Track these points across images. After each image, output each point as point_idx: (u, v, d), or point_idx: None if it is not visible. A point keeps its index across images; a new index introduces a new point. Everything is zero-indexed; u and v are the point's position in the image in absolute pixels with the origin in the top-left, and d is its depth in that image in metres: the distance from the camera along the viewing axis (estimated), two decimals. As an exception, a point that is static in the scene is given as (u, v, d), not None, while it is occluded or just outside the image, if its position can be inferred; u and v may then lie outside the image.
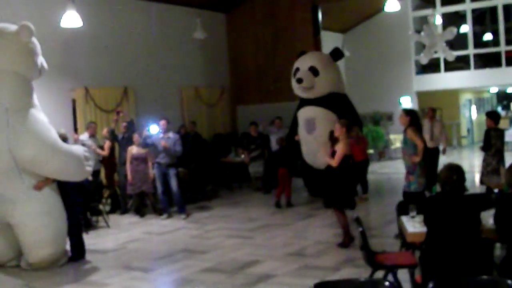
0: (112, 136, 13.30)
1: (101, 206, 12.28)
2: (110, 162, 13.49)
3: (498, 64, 22.64)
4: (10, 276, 8.52)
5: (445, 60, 22.06)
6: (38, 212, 8.61)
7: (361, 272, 7.09)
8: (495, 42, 23.75)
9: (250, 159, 15.33)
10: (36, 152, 8.40)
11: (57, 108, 13.38)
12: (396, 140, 21.20)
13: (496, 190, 9.52)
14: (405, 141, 9.22)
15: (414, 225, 6.07)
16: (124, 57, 15.57)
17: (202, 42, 17.57)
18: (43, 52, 9.10)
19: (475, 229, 5.26)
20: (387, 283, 4.33)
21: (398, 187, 10.20)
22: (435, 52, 17.84)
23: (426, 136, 12.60)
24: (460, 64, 23.04)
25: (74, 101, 14.41)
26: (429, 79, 23.69)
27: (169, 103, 16.79)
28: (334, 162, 8.96)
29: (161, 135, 12.34)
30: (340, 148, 8.95)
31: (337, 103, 13.39)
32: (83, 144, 11.70)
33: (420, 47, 20.53)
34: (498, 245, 6.67)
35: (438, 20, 19.12)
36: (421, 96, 23.70)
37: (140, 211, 12.88)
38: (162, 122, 12.45)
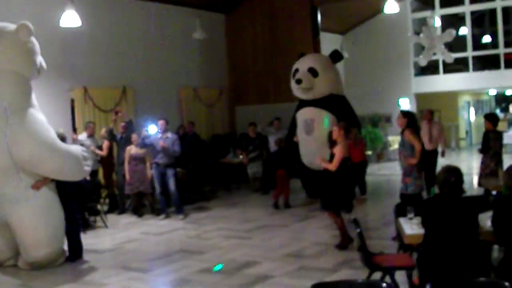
0: (111, 136, 13.31)
1: (99, 206, 12.27)
2: (108, 162, 13.49)
3: (497, 67, 22.68)
4: (7, 276, 8.53)
5: (444, 62, 22.09)
6: (36, 211, 8.60)
7: (359, 274, 7.09)
8: (494, 44, 23.77)
9: (249, 160, 15.33)
10: (35, 152, 8.39)
11: (55, 108, 13.33)
12: (395, 141, 21.19)
13: (494, 192, 9.53)
14: (402, 143, 9.23)
15: (412, 227, 6.06)
16: (123, 57, 15.56)
17: (201, 43, 17.59)
18: (42, 51, 9.10)
19: (473, 231, 5.26)
20: (384, 285, 4.33)
21: (396, 188, 10.20)
22: (434, 54, 17.85)
23: (425, 138, 12.61)
24: (459, 66, 23.06)
25: (72, 101, 14.40)
26: (428, 81, 23.72)
27: (167, 103, 16.79)
28: (332, 167, 8.94)
29: (160, 135, 12.33)
30: (338, 152, 8.93)
31: (336, 104, 13.39)
32: (82, 144, 11.69)
33: (419, 48, 20.57)
34: (495, 247, 6.68)
35: (437, 22, 19.15)
36: (420, 98, 23.73)
37: (138, 211, 12.87)
38: (161, 122, 12.45)
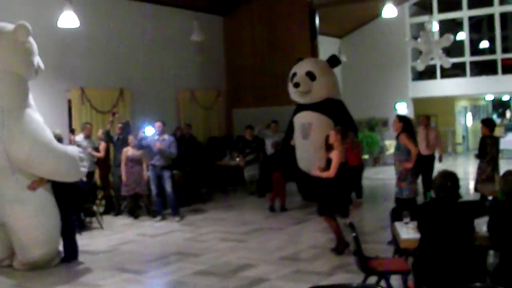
0: (107, 137, 13.29)
1: (95, 207, 12.25)
2: (104, 163, 13.48)
3: (494, 72, 22.71)
4: (2, 276, 8.50)
5: (441, 67, 22.11)
6: (31, 212, 8.58)
7: (354, 278, 7.09)
8: (491, 49, 23.82)
9: (245, 163, 15.31)
10: (31, 152, 8.37)
11: (52, 109, 13.35)
12: (391, 146, 21.19)
13: (490, 198, 9.55)
14: (397, 147, 9.25)
15: (407, 231, 6.07)
16: (121, 58, 15.56)
17: (199, 45, 17.59)
18: (40, 52, 9.09)
19: (469, 236, 5.26)
20: (379, 289, 4.33)
21: (392, 193, 10.18)
22: (432, 58, 17.89)
23: (422, 143, 12.64)
24: (456, 71, 23.11)
25: (70, 102, 14.39)
26: (425, 85, 23.74)
27: (165, 105, 16.79)
28: (331, 174, 8.91)
29: (157, 137, 12.32)
30: (335, 157, 8.91)
31: (333, 108, 13.42)
32: (79, 145, 11.69)
33: (417, 53, 20.59)
34: (491, 252, 6.68)
35: (435, 27, 19.19)
36: (417, 102, 23.74)
37: (134, 213, 12.86)
38: (158, 124, 12.45)
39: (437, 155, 13.49)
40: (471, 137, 28.27)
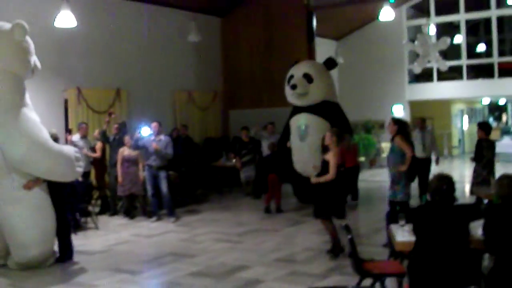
0: (103, 137, 13.27)
1: (90, 207, 12.24)
2: (100, 164, 13.46)
3: (491, 75, 22.76)
4: (-4, 276, 8.49)
5: (438, 70, 22.16)
6: (27, 211, 8.57)
7: (349, 280, 7.10)
8: (488, 53, 23.87)
9: (241, 164, 15.30)
10: (27, 151, 8.36)
11: (49, 108, 13.35)
12: (388, 148, 21.17)
13: (485, 201, 9.56)
14: (392, 150, 9.25)
15: (403, 234, 6.07)
16: (118, 59, 15.56)
17: (196, 46, 17.59)
18: (37, 51, 9.07)
19: (464, 240, 5.27)
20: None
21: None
22: (429, 61, 17.92)
23: (419, 146, 12.65)
24: (453, 74, 23.14)
25: (66, 101, 14.38)
26: (422, 88, 23.78)
27: (161, 106, 16.79)
28: (330, 176, 8.86)
29: (153, 137, 12.32)
30: (332, 159, 8.88)
31: (330, 111, 13.42)
32: (75, 145, 11.67)
33: (414, 56, 20.63)
34: (486, 255, 6.68)
35: (432, 30, 19.20)
36: (414, 105, 23.77)
37: (130, 213, 12.84)
38: (154, 124, 12.44)
39: (433, 157, 13.51)
40: (467, 140, 28.34)
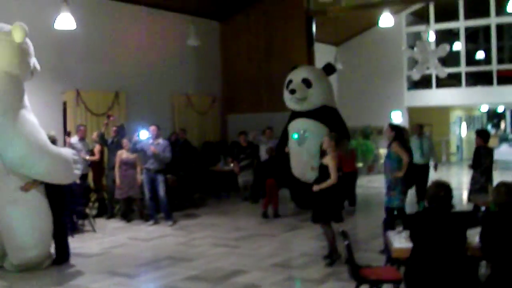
0: (102, 140, 13.26)
1: (87, 210, 12.22)
2: (98, 166, 13.45)
3: (490, 83, 22.78)
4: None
5: (437, 77, 22.18)
6: (24, 213, 8.55)
7: (346, 286, 7.10)
8: (487, 60, 23.89)
9: (239, 168, 15.28)
10: (25, 153, 8.35)
11: (47, 110, 13.33)
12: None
13: (483, 208, 9.56)
14: (389, 155, 9.23)
15: (400, 241, 6.07)
16: (117, 62, 15.55)
17: (195, 50, 17.59)
18: (36, 53, 9.08)
19: (461, 247, 5.27)
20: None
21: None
22: (427, 68, 17.94)
23: (417, 153, 12.64)
24: (452, 81, 23.16)
25: (65, 104, 14.37)
26: (421, 95, 23.79)
27: (160, 109, 16.78)
28: (332, 181, 8.82)
29: (151, 140, 12.31)
30: (331, 163, 8.86)
31: (328, 116, 13.43)
32: (73, 147, 11.67)
33: (413, 62, 20.64)
34: (483, 263, 6.68)
35: (431, 37, 19.24)
36: (412, 111, 23.77)
37: (127, 216, 12.83)
38: (152, 127, 12.43)
39: (432, 164, 13.52)
40: (465, 147, 28.36)
